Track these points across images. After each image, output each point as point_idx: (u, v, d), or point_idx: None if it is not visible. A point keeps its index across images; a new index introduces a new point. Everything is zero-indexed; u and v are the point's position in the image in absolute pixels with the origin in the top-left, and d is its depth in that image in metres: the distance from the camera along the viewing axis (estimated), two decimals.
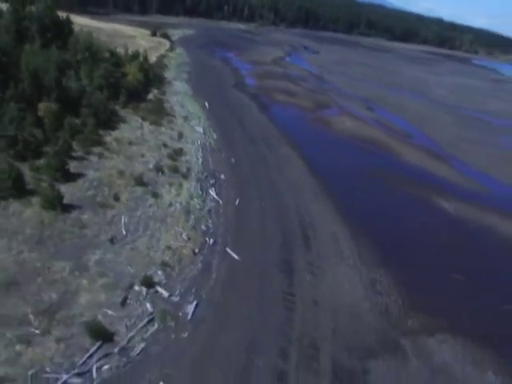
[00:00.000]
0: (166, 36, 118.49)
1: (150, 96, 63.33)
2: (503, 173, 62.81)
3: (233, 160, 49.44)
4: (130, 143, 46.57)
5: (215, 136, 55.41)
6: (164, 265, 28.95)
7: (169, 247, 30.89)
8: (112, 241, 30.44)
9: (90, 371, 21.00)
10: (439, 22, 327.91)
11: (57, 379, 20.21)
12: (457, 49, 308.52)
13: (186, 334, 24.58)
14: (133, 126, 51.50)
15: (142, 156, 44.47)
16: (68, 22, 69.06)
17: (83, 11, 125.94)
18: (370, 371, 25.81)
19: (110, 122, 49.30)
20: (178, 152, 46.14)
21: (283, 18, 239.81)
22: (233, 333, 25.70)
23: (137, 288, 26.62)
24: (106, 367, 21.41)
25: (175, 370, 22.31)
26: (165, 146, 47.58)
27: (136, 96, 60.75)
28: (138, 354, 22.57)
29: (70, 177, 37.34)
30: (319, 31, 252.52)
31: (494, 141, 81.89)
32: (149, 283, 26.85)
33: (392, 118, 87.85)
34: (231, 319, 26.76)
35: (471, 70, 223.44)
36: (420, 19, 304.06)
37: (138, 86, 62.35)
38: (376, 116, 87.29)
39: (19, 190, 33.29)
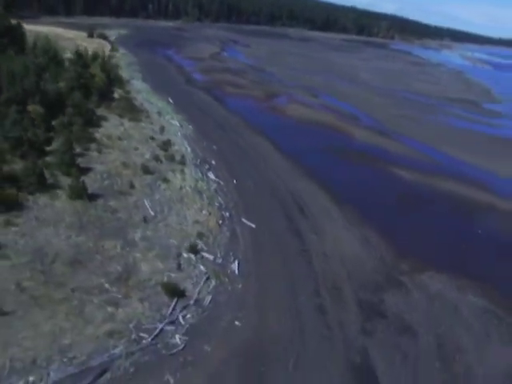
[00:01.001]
0: (103, 37, 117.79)
1: (117, 95, 65.11)
2: (440, 144, 72.19)
3: (215, 147, 53.51)
4: (119, 139, 49.02)
5: (191, 127, 58.92)
6: (200, 235, 32.90)
7: (197, 221, 34.82)
8: (145, 220, 33.74)
9: (177, 320, 24.85)
10: (354, 11, 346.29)
11: (155, 328, 23.87)
12: (374, 35, 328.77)
13: (240, 285, 29.01)
14: (114, 124, 53.67)
15: (136, 149, 47.24)
16: (19, 27, 68.56)
17: (11, 15, 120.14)
18: (383, 301, 31.75)
19: (93, 120, 51.17)
20: (167, 143, 49.35)
21: (207, 13, 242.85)
22: (274, 281, 30.52)
23: (185, 255, 30.45)
24: (188, 316, 25.35)
25: (243, 312, 26.73)
26: (152, 138, 50.52)
27: (104, 96, 62.38)
28: (209, 304, 26.69)
29: (81, 171, 39.60)
30: (243, 25, 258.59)
31: (427, 118, 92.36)
32: (194, 250, 30.77)
33: (335, 102, 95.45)
34: (268, 271, 31.53)
35: (391, 54, 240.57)
36: (336, 8, 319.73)
37: (104, 86, 63.93)
38: (322, 102, 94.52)
39: (42, 185, 35.37)
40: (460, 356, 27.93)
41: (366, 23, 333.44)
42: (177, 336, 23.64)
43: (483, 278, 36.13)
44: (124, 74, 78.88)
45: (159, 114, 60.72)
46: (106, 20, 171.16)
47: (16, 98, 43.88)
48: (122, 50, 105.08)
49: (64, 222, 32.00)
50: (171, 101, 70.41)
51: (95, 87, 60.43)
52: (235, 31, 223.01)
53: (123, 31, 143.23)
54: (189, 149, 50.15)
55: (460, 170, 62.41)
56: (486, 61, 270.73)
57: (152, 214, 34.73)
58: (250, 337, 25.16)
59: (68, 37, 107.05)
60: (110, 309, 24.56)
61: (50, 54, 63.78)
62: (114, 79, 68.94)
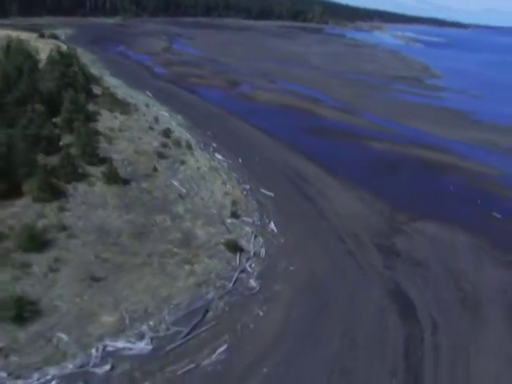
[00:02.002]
0: (54, 37, 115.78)
1: (98, 91, 66.56)
2: (399, 117, 79.62)
3: (209, 133, 57.14)
4: (121, 130, 51.44)
5: (180, 117, 62.02)
6: (234, 204, 36.99)
7: (226, 193, 38.83)
8: (181, 197, 37.29)
9: (246, 269, 29.08)
10: None
11: (232, 276, 27.98)
12: (309, 21, 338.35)
13: (282, 240, 33.62)
14: (108, 118, 55.72)
15: (140, 138, 49.97)
16: None
17: None
18: (395, 244, 37.51)
19: (90, 115, 53.11)
20: (167, 131, 52.37)
21: (144, 8, 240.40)
22: (306, 235, 35.43)
23: (229, 220, 34.51)
24: (253, 265, 29.64)
25: (292, 259, 31.40)
26: (151, 128, 53.31)
27: (87, 93, 63.76)
28: (264, 255, 31.08)
29: (101, 161, 42.14)
30: (181, 17, 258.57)
31: (380, 95, 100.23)
32: (235, 215, 34.92)
33: (294, 86, 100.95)
34: (299, 228, 36.33)
35: (329, 38, 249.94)
36: None
37: (85, 84, 65.18)
38: (282, 86, 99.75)
39: (76, 174, 37.84)
40: (465, 277, 34.20)
41: (300, 9, 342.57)
42: (251, 280, 27.89)
43: (464, 222, 42.77)
44: (93, 71, 79.60)
45: (147, 106, 63.13)
46: (44, 20, 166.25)
47: (23, 98, 45.16)
48: (77, 49, 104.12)
49: (109, 204, 34.89)
50: (149, 94, 72.65)
51: (79, 85, 61.69)
52: (176, 24, 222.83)
53: (69, 30, 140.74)
54: (188, 135, 53.44)
55: (421, 138, 69.79)
56: (416, 39, 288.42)
57: (184, 191, 38.25)
58: (306, 277, 29.89)
59: (22, 38, 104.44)
60: (187, 267, 28.28)
61: (25, 56, 64.00)
62: (89, 77, 70.03)
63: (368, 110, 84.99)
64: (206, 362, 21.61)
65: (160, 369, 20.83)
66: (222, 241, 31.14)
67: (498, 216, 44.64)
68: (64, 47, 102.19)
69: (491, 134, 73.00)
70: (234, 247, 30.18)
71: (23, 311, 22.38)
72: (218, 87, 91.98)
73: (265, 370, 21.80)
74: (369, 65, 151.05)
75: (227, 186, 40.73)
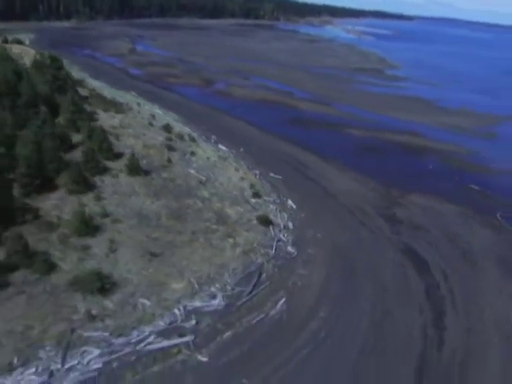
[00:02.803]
0: (18, 42, 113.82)
1: (85, 93, 67.77)
2: (368, 106, 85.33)
3: (204, 127, 60.11)
4: (122, 127, 53.47)
5: (172, 114, 64.54)
6: (251, 187, 40.45)
7: (242, 178, 42.21)
8: (202, 183, 40.34)
9: (281, 238, 32.73)
10: None
11: (272, 245, 31.61)
12: (261, 18, 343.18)
13: (303, 215, 37.53)
14: (106, 117, 57.39)
15: (144, 134, 52.27)
16: None
17: None
18: (395, 213, 42.26)
19: (91, 115, 54.82)
20: (168, 127, 54.90)
21: (99, 11, 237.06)
22: (320, 210, 39.51)
23: (253, 200, 37.99)
24: (286, 235, 33.37)
25: (316, 229, 35.34)
26: (150, 125, 55.64)
27: (76, 94, 64.97)
28: (292, 227, 34.85)
29: (116, 155, 44.37)
30: (136, 19, 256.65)
31: (347, 86, 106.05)
32: (257, 196, 38.45)
33: (266, 82, 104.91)
34: (312, 204, 40.35)
35: (284, 34, 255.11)
36: None
37: (72, 86, 66.31)
38: (254, 82, 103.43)
39: (98, 168, 40.05)
40: (459, 237, 39.32)
41: (252, 7, 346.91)
42: (288, 247, 31.62)
43: (448, 194, 48.04)
44: (73, 74, 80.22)
45: (138, 105, 65.11)
46: None
47: (32, 101, 46.55)
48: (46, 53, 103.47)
49: (138, 192, 37.47)
50: (134, 94, 74.45)
51: (69, 87, 62.87)
52: (133, 26, 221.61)
53: (31, 35, 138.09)
54: (187, 129, 56.20)
55: (395, 124, 75.51)
56: (367, 32, 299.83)
57: (203, 178, 41.28)
58: (331, 242, 33.94)
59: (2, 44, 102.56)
60: (230, 240, 31.58)
61: (8, 61, 64.41)
62: (74, 79, 71.01)
63: (340, 101, 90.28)
64: (272, 312, 25.12)
65: (237, 320, 24.19)
66: (254, 216, 34.52)
67: (476, 188, 50.34)
68: (33, 52, 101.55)
69: (457, 119, 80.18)
70: (266, 221, 33.69)
71: (105, 284, 25.01)
72: (195, 85, 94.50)
73: (321, 314, 25.58)
74: (330, 59, 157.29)
75: (240, 171, 44.07)
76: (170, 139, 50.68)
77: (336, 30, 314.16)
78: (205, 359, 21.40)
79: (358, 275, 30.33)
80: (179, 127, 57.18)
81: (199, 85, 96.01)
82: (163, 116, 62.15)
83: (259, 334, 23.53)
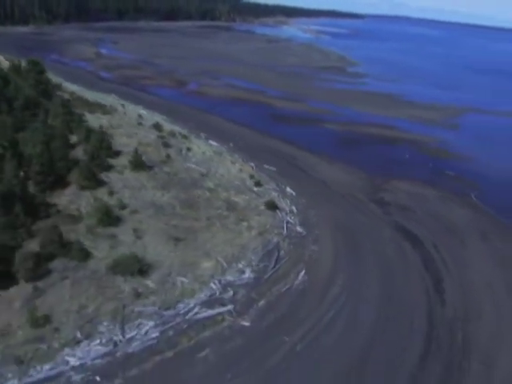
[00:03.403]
0: None
1: (66, 96, 68.22)
2: (338, 103, 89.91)
3: (191, 124, 62.26)
4: (113, 127, 54.67)
5: (157, 113, 66.19)
6: (251, 177, 43.15)
7: (240, 169, 44.81)
8: (204, 175, 42.65)
9: (289, 221, 35.66)
10: None
11: (282, 226, 34.49)
12: (217, 19, 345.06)
13: (304, 200, 40.62)
14: (93, 118, 58.49)
15: (136, 134, 53.88)
16: None
17: None
18: (383, 197, 46.08)
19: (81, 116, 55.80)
20: (158, 125, 56.66)
21: (55, 15, 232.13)
22: (317, 196, 42.78)
23: (255, 189, 40.71)
24: (292, 217, 36.32)
25: (318, 211, 38.51)
26: (139, 124, 57.18)
27: None
28: (296, 210, 37.84)
29: (116, 153, 45.91)
30: (94, 22, 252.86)
31: (314, 84, 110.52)
32: (259, 184, 41.20)
33: (236, 81, 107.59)
34: (309, 191, 43.56)
35: (243, 35, 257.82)
36: None
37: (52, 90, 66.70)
38: (225, 82, 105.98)
39: (103, 165, 41.62)
40: (442, 216, 43.52)
41: (209, 8, 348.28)
42: (297, 227, 34.63)
43: (426, 180, 52.42)
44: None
45: (123, 106, 66.28)
46: None
47: (26, 104, 47.32)
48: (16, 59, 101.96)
49: (146, 186, 39.34)
50: (115, 96, 75.37)
51: (51, 91, 63.34)
52: (92, 30, 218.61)
53: None
54: (176, 127, 58.13)
55: (367, 119, 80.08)
56: (322, 31, 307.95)
57: (204, 171, 43.59)
58: (333, 223, 37.23)
59: None
60: (244, 223, 34.19)
61: None
62: (53, 83, 71.20)
63: (309, 98, 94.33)
64: (296, 282, 27.99)
65: (268, 290, 26.91)
66: (261, 203, 37.25)
67: (451, 173, 55.04)
68: (1, 57, 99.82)
69: (423, 112, 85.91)
70: (273, 206, 36.50)
71: (142, 266, 27.07)
72: (170, 87, 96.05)
73: (339, 282, 28.69)
74: (291, 58, 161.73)
75: (236, 164, 46.65)
76: (162, 137, 52.48)
77: (292, 29, 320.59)
78: (247, 324, 23.96)
79: (362, 249, 33.71)
80: (168, 126, 58.96)
81: (173, 86, 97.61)
82: (149, 116, 63.71)
83: (289, 300, 26.34)
